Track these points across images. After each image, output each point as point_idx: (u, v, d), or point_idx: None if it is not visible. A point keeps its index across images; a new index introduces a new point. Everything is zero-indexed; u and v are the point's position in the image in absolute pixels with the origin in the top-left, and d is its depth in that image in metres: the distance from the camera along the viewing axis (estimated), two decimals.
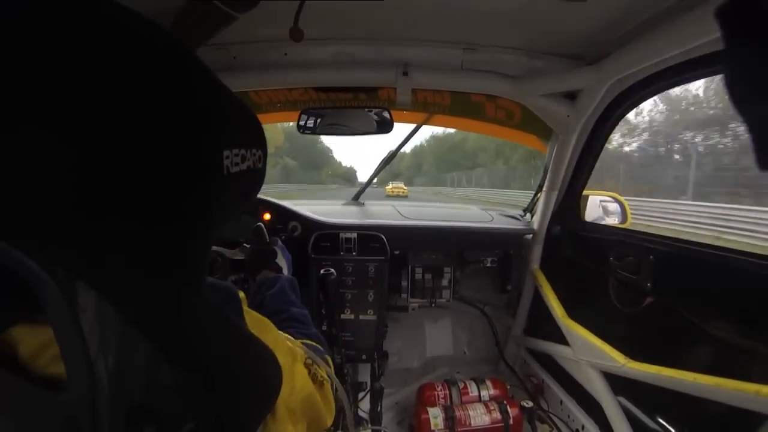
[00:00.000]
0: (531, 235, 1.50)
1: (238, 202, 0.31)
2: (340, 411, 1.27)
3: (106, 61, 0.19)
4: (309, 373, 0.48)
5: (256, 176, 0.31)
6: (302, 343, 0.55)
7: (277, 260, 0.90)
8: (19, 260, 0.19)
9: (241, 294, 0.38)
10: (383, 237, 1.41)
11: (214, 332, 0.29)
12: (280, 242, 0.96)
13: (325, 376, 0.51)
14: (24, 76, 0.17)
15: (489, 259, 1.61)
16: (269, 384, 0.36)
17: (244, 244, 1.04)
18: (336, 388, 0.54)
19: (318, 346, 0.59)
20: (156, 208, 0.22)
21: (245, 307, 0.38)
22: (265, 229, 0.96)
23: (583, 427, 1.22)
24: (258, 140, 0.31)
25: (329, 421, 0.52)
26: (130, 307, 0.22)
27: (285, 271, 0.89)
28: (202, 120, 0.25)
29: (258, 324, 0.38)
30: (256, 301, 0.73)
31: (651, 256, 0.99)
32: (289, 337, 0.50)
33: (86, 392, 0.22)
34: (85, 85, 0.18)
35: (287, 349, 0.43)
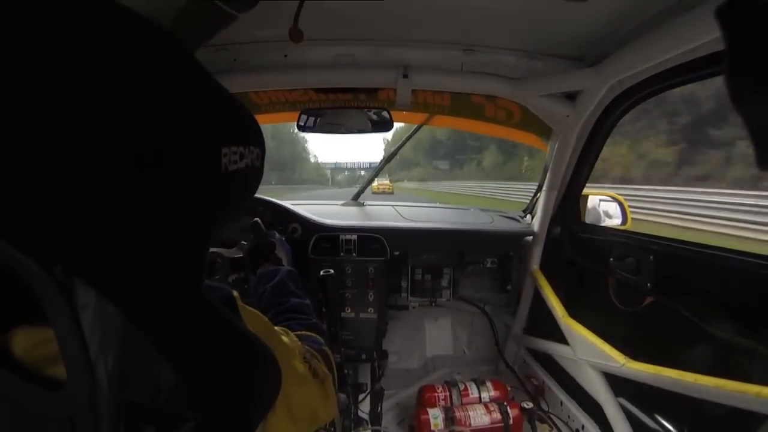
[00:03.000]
0: (531, 237, 1.50)
1: (236, 200, 0.31)
2: (340, 411, 1.27)
3: (103, 61, 0.19)
4: (309, 368, 0.48)
5: (254, 174, 0.31)
6: (301, 334, 0.54)
7: (276, 252, 0.90)
8: (18, 259, 0.19)
9: (235, 293, 0.38)
10: (383, 239, 1.41)
11: (212, 332, 0.29)
12: (277, 235, 0.97)
13: (326, 372, 0.51)
14: (20, 77, 0.17)
15: (489, 260, 1.61)
16: (269, 383, 0.36)
17: (242, 242, 1.04)
18: (335, 382, 0.54)
19: (318, 337, 0.59)
20: (154, 206, 0.22)
21: (241, 305, 0.38)
22: (261, 224, 0.96)
23: (583, 428, 1.22)
24: (256, 138, 0.31)
25: (330, 417, 0.51)
26: (130, 307, 0.22)
27: (285, 263, 0.89)
28: (200, 118, 0.25)
29: (255, 322, 0.38)
30: (257, 293, 0.73)
31: (651, 257, 0.99)
32: (287, 331, 0.49)
33: (86, 392, 0.22)
34: (80, 85, 0.18)
35: (285, 346, 0.43)
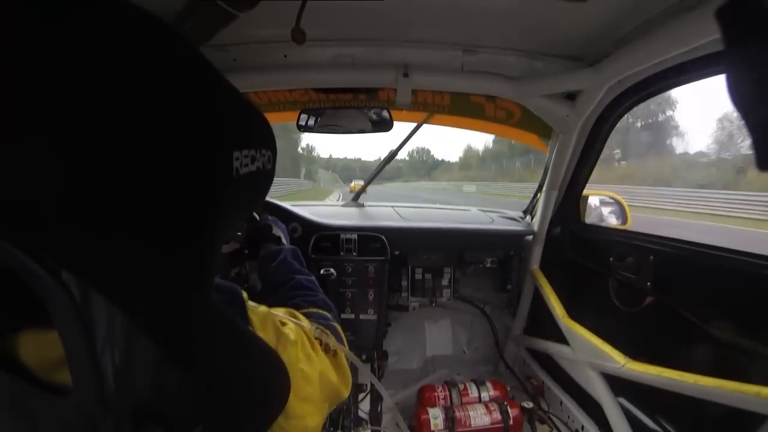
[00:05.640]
0: (531, 237, 1.50)
1: (247, 204, 0.30)
2: (340, 411, 1.27)
3: (112, 63, 0.19)
4: (321, 343, 0.48)
5: (266, 178, 0.31)
6: (309, 312, 0.55)
7: (273, 232, 0.90)
8: (23, 263, 0.19)
9: (245, 294, 0.38)
10: (383, 238, 1.41)
11: (220, 338, 0.29)
12: (270, 216, 0.96)
13: (337, 345, 0.51)
14: (27, 78, 0.17)
15: (489, 260, 1.61)
16: (275, 388, 0.36)
17: (237, 233, 1.04)
18: (348, 356, 0.54)
19: (326, 313, 0.59)
20: (165, 213, 0.21)
21: (249, 306, 0.38)
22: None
23: (582, 428, 1.22)
24: (267, 140, 0.30)
25: (346, 392, 0.52)
26: (137, 312, 0.22)
27: (284, 241, 0.90)
28: (212, 121, 0.24)
29: (262, 320, 0.38)
30: (262, 275, 0.74)
31: (651, 257, 0.99)
32: (294, 312, 0.50)
33: (92, 397, 0.22)
34: (90, 88, 0.18)
35: (293, 337, 0.43)
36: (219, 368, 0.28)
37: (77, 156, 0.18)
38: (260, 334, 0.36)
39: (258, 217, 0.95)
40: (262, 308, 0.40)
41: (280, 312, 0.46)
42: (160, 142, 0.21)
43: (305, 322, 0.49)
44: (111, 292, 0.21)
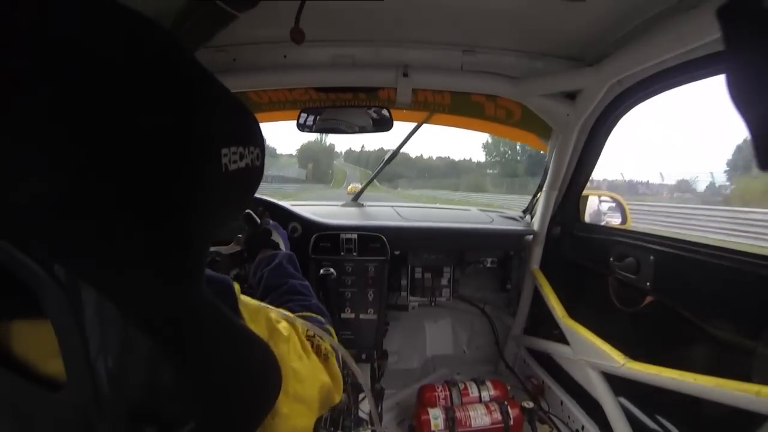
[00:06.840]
0: (531, 236, 1.50)
1: (236, 201, 0.31)
2: (340, 412, 1.27)
3: (103, 60, 0.19)
4: (312, 346, 0.48)
5: (255, 174, 0.31)
6: (302, 315, 0.54)
7: (272, 238, 0.90)
8: (16, 258, 0.19)
9: (236, 286, 0.38)
10: (383, 238, 1.41)
11: (212, 332, 0.29)
12: (271, 221, 0.96)
13: (329, 348, 0.51)
14: (22, 74, 0.17)
15: (489, 260, 1.61)
16: (268, 383, 0.36)
17: (238, 236, 1.04)
18: (342, 357, 0.53)
19: (319, 317, 0.59)
20: (156, 209, 0.21)
21: (241, 298, 0.38)
22: (254, 213, 0.96)
23: (583, 428, 1.22)
24: (256, 138, 0.31)
25: (338, 396, 0.52)
26: (130, 308, 0.22)
27: (282, 247, 0.90)
28: (201, 118, 0.25)
29: (254, 314, 0.38)
30: (256, 278, 0.73)
31: (651, 257, 0.99)
32: (288, 313, 0.49)
33: (86, 391, 0.22)
34: (82, 84, 0.18)
35: (285, 333, 0.43)
36: (211, 363, 0.28)
37: (67, 154, 0.18)
38: (251, 327, 0.36)
39: (259, 221, 0.95)
40: (254, 302, 0.40)
41: (273, 311, 0.46)
42: (149, 142, 0.21)
43: (299, 322, 0.49)
44: (104, 287, 0.21)
